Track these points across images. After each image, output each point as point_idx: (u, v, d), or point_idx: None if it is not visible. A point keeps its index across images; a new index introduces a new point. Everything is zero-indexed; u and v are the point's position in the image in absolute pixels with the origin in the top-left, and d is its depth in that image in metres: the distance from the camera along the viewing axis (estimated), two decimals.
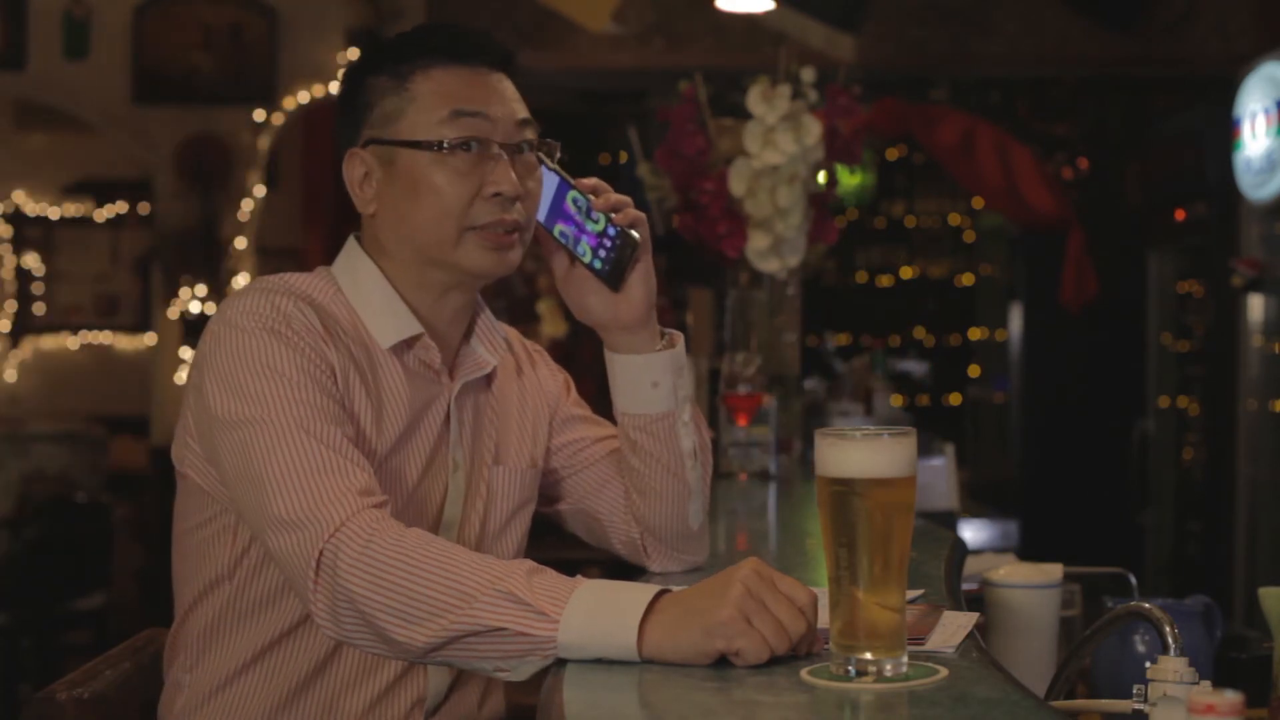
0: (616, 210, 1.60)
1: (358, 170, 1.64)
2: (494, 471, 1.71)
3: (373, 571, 1.36)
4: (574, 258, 1.63)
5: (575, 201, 1.60)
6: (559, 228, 1.61)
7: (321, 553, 1.40)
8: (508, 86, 1.64)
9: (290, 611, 1.58)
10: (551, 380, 1.85)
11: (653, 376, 1.67)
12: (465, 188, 1.58)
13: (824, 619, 1.26)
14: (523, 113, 1.63)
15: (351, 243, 1.68)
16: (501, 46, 1.65)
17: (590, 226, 1.60)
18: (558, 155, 1.67)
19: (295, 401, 1.49)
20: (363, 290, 1.63)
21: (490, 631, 1.31)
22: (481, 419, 1.71)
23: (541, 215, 1.61)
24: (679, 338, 1.70)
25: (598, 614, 1.28)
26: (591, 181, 1.62)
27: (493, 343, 1.73)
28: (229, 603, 1.60)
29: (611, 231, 1.59)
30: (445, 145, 1.57)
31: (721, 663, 1.24)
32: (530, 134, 1.63)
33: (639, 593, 1.29)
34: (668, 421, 1.70)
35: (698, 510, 1.77)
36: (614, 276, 1.61)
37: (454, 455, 1.66)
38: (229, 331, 1.53)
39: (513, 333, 1.87)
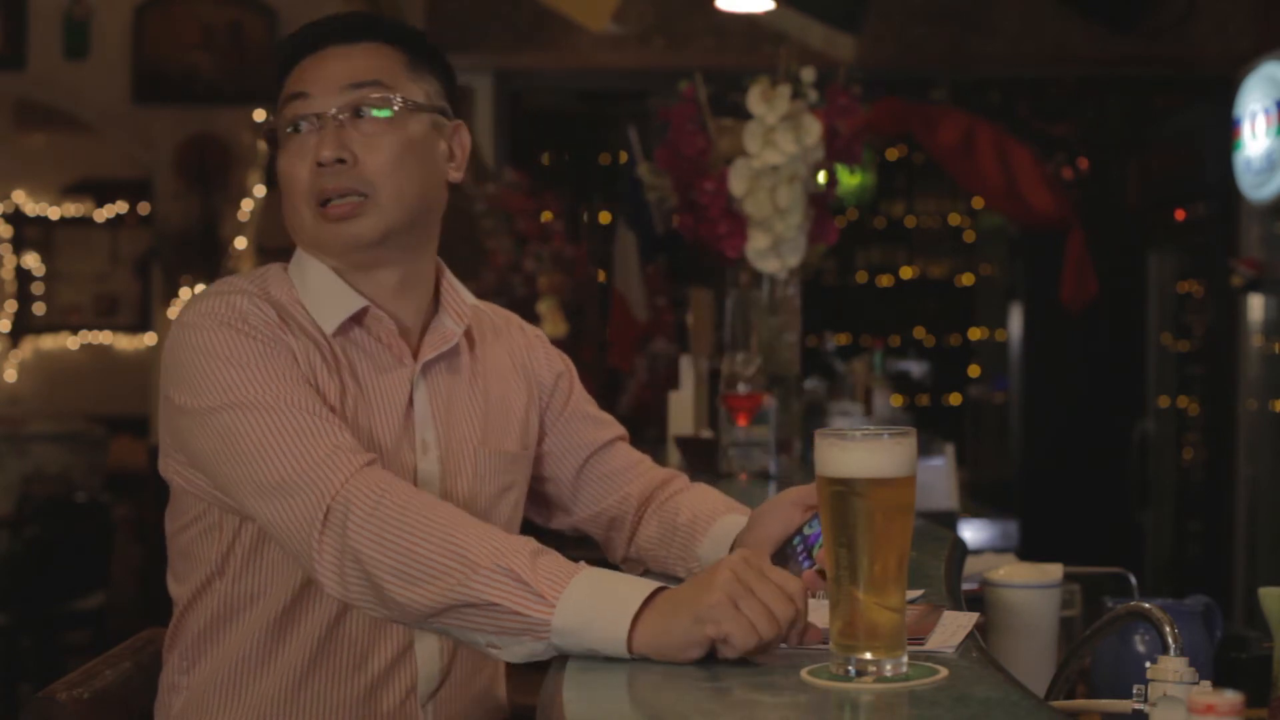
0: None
1: None
2: (478, 453, 1.69)
3: (381, 530, 1.37)
4: (801, 536, 1.58)
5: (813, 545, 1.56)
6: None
7: (329, 510, 1.40)
8: (347, 55, 1.62)
9: (280, 599, 1.58)
10: (548, 367, 1.83)
11: None
12: (301, 168, 1.60)
13: (824, 619, 1.26)
14: (351, 77, 1.60)
15: None
16: (349, 17, 1.66)
17: (807, 556, 1.56)
18: (396, 101, 1.61)
19: (263, 381, 1.50)
20: (308, 281, 1.64)
21: (487, 605, 1.31)
22: (459, 399, 1.69)
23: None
24: None
25: (594, 603, 1.28)
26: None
27: (459, 312, 1.71)
28: (223, 600, 1.60)
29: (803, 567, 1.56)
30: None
31: (722, 662, 1.24)
32: (366, 94, 1.60)
33: (638, 587, 1.28)
34: None
35: None
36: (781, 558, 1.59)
37: (423, 436, 1.64)
38: (186, 332, 1.55)
39: (513, 317, 1.86)
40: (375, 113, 1.59)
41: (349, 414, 1.58)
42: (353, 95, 1.59)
